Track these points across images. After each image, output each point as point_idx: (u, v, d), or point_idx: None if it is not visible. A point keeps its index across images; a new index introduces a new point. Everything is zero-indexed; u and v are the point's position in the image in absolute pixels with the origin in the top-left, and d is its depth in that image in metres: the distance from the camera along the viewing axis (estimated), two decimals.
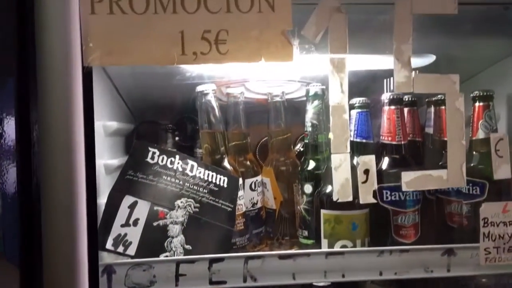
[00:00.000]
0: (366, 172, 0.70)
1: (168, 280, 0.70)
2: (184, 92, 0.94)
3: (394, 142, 0.82)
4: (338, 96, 0.69)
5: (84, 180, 0.65)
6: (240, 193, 0.86)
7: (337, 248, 0.77)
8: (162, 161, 0.79)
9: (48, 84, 0.64)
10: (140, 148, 0.79)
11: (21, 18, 0.63)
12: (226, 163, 0.86)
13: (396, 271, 0.73)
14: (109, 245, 0.73)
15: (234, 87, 0.91)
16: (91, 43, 0.63)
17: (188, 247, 0.76)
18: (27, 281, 0.65)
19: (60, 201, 0.65)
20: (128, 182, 0.76)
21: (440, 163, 0.85)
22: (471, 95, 0.84)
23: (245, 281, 0.71)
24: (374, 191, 0.71)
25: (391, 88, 0.75)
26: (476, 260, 0.73)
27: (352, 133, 0.86)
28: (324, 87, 0.87)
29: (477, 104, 0.83)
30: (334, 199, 0.70)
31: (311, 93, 0.88)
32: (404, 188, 0.71)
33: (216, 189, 0.81)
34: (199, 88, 0.85)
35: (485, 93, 0.83)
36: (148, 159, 0.78)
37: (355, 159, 0.76)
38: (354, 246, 0.78)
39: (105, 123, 0.86)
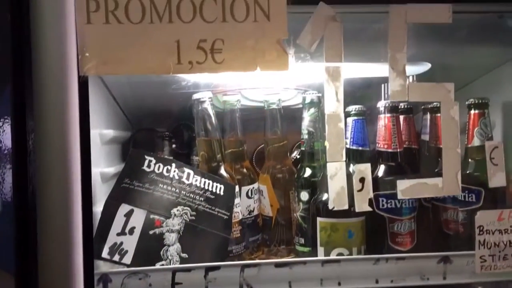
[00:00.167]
0: (362, 180, 0.70)
1: None
2: (181, 100, 0.94)
3: (390, 150, 0.82)
4: (333, 104, 0.69)
5: (79, 188, 0.65)
6: (237, 200, 0.86)
7: (333, 256, 0.77)
8: (158, 169, 0.79)
9: (44, 93, 0.64)
10: (136, 156, 0.79)
11: (17, 27, 0.63)
12: (222, 171, 0.87)
13: (392, 279, 0.73)
14: (105, 253, 0.72)
15: (231, 94, 0.92)
16: (87, 52, 0.63)
17: (184, 255, 0.76)
18: None
19: (56, 209, 0.65)
20: (124, 190, 0.76)
21: (436, 170, 0.86)
22: (466, 102, 0.84)
23: None
24: (370, 199, 0.72)
25: (389, 94, 0.76)
26: (472, 267, 0.73)
27: (348, 141, 0.86)
28: (320, 94, 0.87)
29: (472, 111, 0.84)
30: (330, 207, 0.70)
31: (307, 100, 0.88)
32: (399, 196, 0.71)
33: (212, 197, 0.81)
34: (195, 96, 0.85)
35: (480, 101, 0.83)
36: (145, 167, 0.79)
37: (351, 167, 0.76)
38: (350, 254, 0.78)
39: (102, 131, 0.86)
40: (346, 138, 0.86)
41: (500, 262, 0.70)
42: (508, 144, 0.89)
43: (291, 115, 0.94)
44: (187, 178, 0.80)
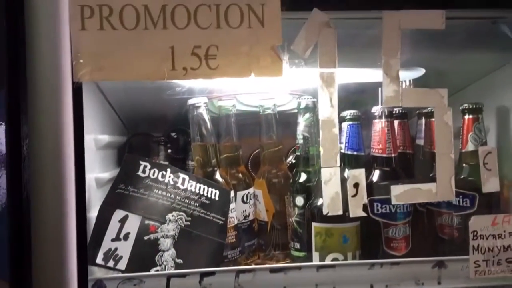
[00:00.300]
0: (356, 185, 0.71)
1: None
2: (177, 105, 0.94)
3: (384, 155, 0.83)
4: (327, 110, 0.70)
5: (74, 194, 0.65)
6: (232, 205, 0.86)
7: (328, 261, 0.78)
8: (153, 175, 0.79)
9: (38, 98, 0.64)
10: (131, 161, 0.79)
11: (12, 33, 0.64)
12: (218, 176, 0.87)
13: (387, 284, 0.73)
14: (99, 259, 0.72)
15: (226, 99, 0.92)
16: (81, 58, 0.63)
17: (179, 261, 0.76)
18: None
19: (50, 215, 0.65)
20: (119, 195, 0.76)
21: (431, 175, 0.86)
22: (460, 107, 0.85)
23: None
24: (364, 205, 0.72)
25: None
26: (467, 272, 0.73)
27: (343, 146, 0.86)
28: (315, 99, 0.87)
29: (466, 116, 0.84)
30: (324, 212, 0.70)
31: (302, 105, 0.89)
32: (393, 202, 0.71)
33: (207, 202, 0.81)
34: (190, 101, 0.85)
35: (474, 106, 0.84)
36: (139, 173, 0.79)
37: (346, 172, 0.76)
38: (345, 259, 0.78)
39: (97, 137, 0.86)
40: (341, 143, 0.86)
41: (494, 267, 0.71)
42: (502, 149, 0.89)
43: (287, 120, 0.95)
44: (182, 184, 0.80)
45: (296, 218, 0.88)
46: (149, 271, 0.73)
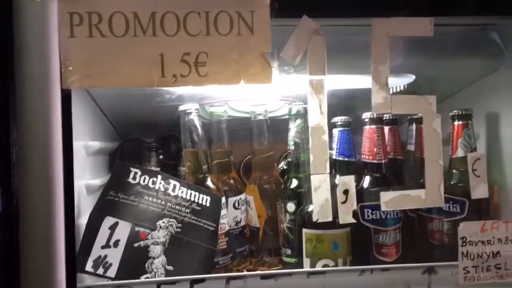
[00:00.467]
0: (346, 192, 0.71)
1: None
2: (170, 111, 0.94)
3: (374, 161, 0.83)
4: (317, 117, 0.70)
5: (62, 201, 0.65)
6: (223, 212, 0.86)
7: (318, 268, 0.78)
8: (144, 181, 0.79)
9: (27, 106, 0.64)
10: (121, 168, 0.79)
11: (0, 41, 0.64)
12: (209, 182, 0.87)
13: None
14: (89, 267, 0.72)
15: (218, 106, 0.92)
16: (70, 66, 0.63)
17: (169, 268, 0.75)
18: None
19: (39, 222, 0.65)
20: (109, 202, 0.76)
21: (421, 181, 0.86)
22: (450, 114, 0.85)
23: None
24: (354, 211, 0.72)
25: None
26: (457, 278, 0.73)
27: (334, 152, 0.86)
28: (306, 106, 0.87)
29: (456, 123, 0.85)
30: (314, 219, 0.71)
31: (293, 111, 0.89)
32: (383, 208, 0.71)
33: (198, 208, 0.81)
34: (181, 108, 0.85)
35: (463, 112, 0.84)
36: (130, 179, 0.78)
37: (337, 178, 0.77)
38: (336, 265, 0.78)
39: (87, 143, 0.86)
40: (332, 149, 0.87)
41: (483, 273, 0.71)
42: (491, 155, 0.90)
43: (278, 126, 0.95)
44: (173, 190, 0.80)
45: (287, 224, 0.88)
46: (139, 278, 0.73)
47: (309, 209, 0.80)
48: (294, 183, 0.89)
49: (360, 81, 0.85)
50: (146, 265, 0.74)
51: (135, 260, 0.74)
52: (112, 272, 0.72)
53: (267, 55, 0.68)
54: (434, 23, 0.71)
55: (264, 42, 0.68)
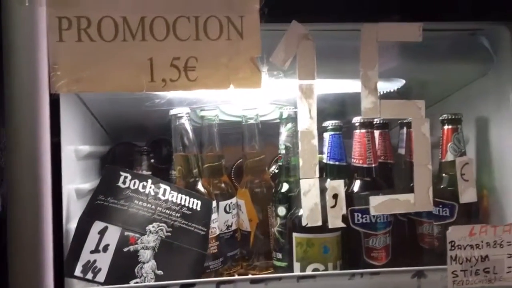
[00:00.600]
0: (335, 196, 0.71)
1: None
2: (161, 114, 0.94)
3: (365, 165, 0.83)
4: (306, 121, 0.70)
5: (50, 206, 0.65)
6: (214, 216, 0.85)
7: (308, 272, 0.78)
8: (134, 186, 0.79)
9: (15, 110, 0.64)
10: (111, 172, 0.79)
11: None
12: (200, 186, 0.86)
13: None
14: (78, 272, 0.72)
15: (209, 109, 0.92)
16: (58, 70, 0.63)
17: (159, 272, 0.75)
18: None
19: (27, 227, 0.65)
20: (98, 207, 0.76)
21: (412, 185, 0.86)
22: (440, 118, 0.85)
23: None
24: (343, 216, 0.72)
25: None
26: (446, 282, 0.74)
27: (325, 156, 0.87)
28: (297, 109, 0.87)
29: (445, 127, 0.85)
30: (303, 224, 0.71)
31: (284, 115, 0.89)
32: (372, 212, 0.72)
33: (189, 212, 0.80)
34: (172, 112, 0.85)
35: (453, 116, 0.85)
36: (120, 184, 0.78)
37: (328, 182, 0.77)
38: (326, 269, 0.78)
39: (77, 147, 0.86)
40: (323, 153, 0.87)
41: (472, 277, 0.71)
42: (481, 159, 0.91)
43: (270, 130, 0.95)
44: (163, 194, 0.80)
45: (278, 228, 0.88)
46: (128, 283, 0.73)
47: (299, 213, 0.80)
48: (285, 187, 0.89)
49: (351, 86, 0.86)
50: (136, 270, 0.74)
51: (124, 265, 0.74)
52: (101, 277, 0.72)
53: (257, 59, 0.68)
54: (424, 28, 0.72)
55: (254, 47, 0.68)
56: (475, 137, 0.92)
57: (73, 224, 0.76)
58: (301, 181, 0.70)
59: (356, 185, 0.84)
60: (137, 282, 0.73)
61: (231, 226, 0.91)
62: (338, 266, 0.80)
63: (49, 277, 0.65)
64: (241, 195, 0.93)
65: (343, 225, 0.72)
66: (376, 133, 0.90)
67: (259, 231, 0.92)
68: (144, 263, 0.75)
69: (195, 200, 0.82)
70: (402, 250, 0.85)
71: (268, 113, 0.99)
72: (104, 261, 0.73)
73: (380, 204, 0.71)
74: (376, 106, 0.70)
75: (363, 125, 0.82)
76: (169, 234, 0.77)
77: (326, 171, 0.87)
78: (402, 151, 0.97)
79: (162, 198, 0.80)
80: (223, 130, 0.94)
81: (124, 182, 0.78)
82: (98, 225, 0.74)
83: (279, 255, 0.88)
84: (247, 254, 0.93)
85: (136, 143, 1.12)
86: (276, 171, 1.00)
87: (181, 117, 0.85)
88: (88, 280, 0.72)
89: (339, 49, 0.80)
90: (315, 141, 0.70)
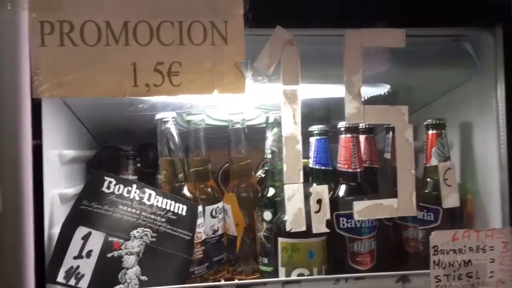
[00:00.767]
0: (319, 201, 0.71)
1: None
2: (148, 119, 0.94)
3: (350, 170, 0.83)
4: (290, 127, 0.70)
5: (32, 211, 0.64)
6: (200, 220, 0.85)
7: (294, 277, 0.78)
8: (118, 190, 0.78)
9: None
10: (95, 177, 0.79)
11: None
12: (185, 191, 0.86)
13: None
14: (60, 278, 0.71)
15: (195, 114, 0.92)
16: (41, 75, 0.62)
17: (143, 278, 0.75)
18: None
19: (8, 232, 0.64)
20: (82, 212, 0.75)
21: (396, 189, 0.87)
22: (424, 123, 0.86)
23: None
24: (328, 220, 0.72)
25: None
26: (430, 287, 0.74)
27: (311, 160, 0.87)
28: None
29: (430, 132, 0.86)
30: (287, 229, 0.71)
31: (270, 120, 0.89)
32: (356, 217, 0.72)
33: (174, 217, 0.80)
34: (158, 116, 0.85)
35: (437, 122, 0.85)
36: (104, 189, 0.78)
37: (313, 186, 0.77)
38: (311, 274, 0.78)
39: (61, 152, 0.85)
40: (309, 157, 0.87)
41: (455, 282, 0.71)
42: (465, 164, 0.91)
43: (256, 134, 0.95)
44: (148, 199, 0.80)
45: (264, 233, 0.88)
46: None
47: (285, 218, 0.80)
48: (271, 191, 0.89)
49: (337, 91, 0.86)
50: (120, 276, 0.73)
51: (108, 271, 0.73)
52: (84, 283, 0.71)
53: (241, 64, 0.68)
54: (408, 34, 0.73)
55: (238, 52, 0.68)
56: (459, 142, 0.93)
57: (56, 229, 0.75)
58: (285, 186, 0.70)
59: (341, 190, 0.84)
60: None
61: (217, 230, 0.91)
62: (323, 271, 0.80)
63: (31, 283, 0.64)
64: (227, 200, 0.93)
65: (327, 230, 0.72)
66: (362, 137, 0.91)
67: (246, 236, 0.92)
68: (128, 268, 0.74)
69: (181, 205, 0.81)
70: (387, 255, 0.85)
71: (255, 117, 0.99)
72: (87, 267, 0.72)
73: (364, 209, 0.71)
74: (360, 111, 0.70)
75: (348, 130, 0.83)
76: (154, 239, 0.77)
77: (312, 176, 0.87)
78: (388, 155, 0.98)
79: (147, 203, 0.79)
80: (210, 134, 0.93)
81: (108, 187, 0.78)
82: (81, 231, 0.74)
83: (265, 260, 0.87)
84: (233, 259, 0.93)
85: (123, 147, 1.11)
86: (263, 175, 1.00)
87: (166, 122, 0.85)
88: (70, 286, 0.71)
89: (324, 54, 0.80)
90: (299, 146, 0.71)
